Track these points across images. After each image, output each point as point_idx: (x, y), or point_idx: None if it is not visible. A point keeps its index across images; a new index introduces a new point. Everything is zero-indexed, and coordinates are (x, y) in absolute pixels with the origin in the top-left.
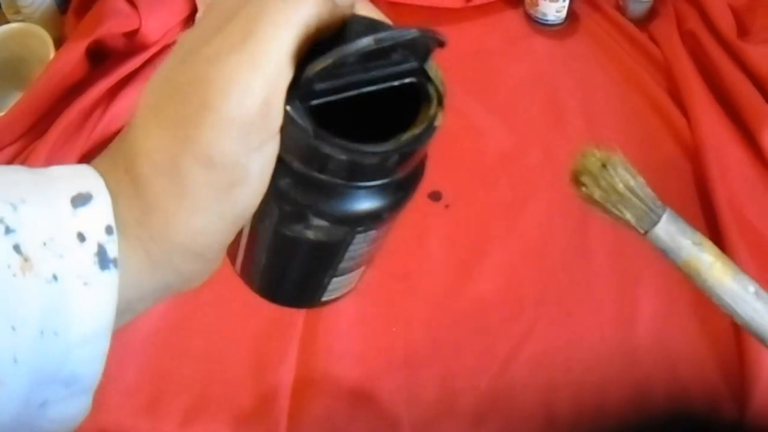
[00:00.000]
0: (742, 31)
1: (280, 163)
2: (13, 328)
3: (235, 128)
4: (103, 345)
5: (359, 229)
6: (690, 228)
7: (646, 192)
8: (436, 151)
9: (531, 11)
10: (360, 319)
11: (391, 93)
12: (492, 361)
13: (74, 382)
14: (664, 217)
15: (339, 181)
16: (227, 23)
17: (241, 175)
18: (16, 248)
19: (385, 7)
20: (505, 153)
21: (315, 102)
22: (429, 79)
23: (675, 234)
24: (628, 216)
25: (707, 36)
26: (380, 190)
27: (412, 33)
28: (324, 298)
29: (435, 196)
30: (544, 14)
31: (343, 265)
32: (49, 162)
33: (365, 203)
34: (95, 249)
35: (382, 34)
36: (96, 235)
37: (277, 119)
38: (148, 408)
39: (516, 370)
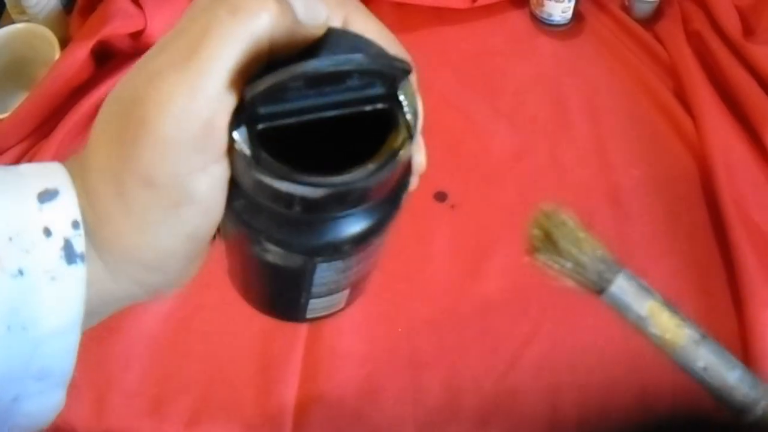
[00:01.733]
0: (748, 31)
1: (235, 183)
2: None
3: (174, 149)
4: (73, 339)
5: (318, 259)
6: (641, 298)
7: (592, 264)
8: (441, 151)
9: (536, 11)
10: (365, 319)
11: (367, 118)
12: (497, 362)
13: (46, 377)
14: (611, 289)
15: (286, 211)
16: (173, 35)
17: (184, 195)
18: None
19: (390, 8)
20: (510, 153)
21: (262, 126)
22: (400, 106)
23: (619, 306)
24: (570, 285)
25: (713, 36)
26: (338, 224)
27: (366, 62)
28: (309, 316)
29: (440, 197)
30: (550, 14)
31: (315, 289)
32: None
33: (321, 236)
34: (61, 243)
35: (320, 64)
36: (62, 230)
37: (222, 141)
38: (153, 409)
39: (521, 371)
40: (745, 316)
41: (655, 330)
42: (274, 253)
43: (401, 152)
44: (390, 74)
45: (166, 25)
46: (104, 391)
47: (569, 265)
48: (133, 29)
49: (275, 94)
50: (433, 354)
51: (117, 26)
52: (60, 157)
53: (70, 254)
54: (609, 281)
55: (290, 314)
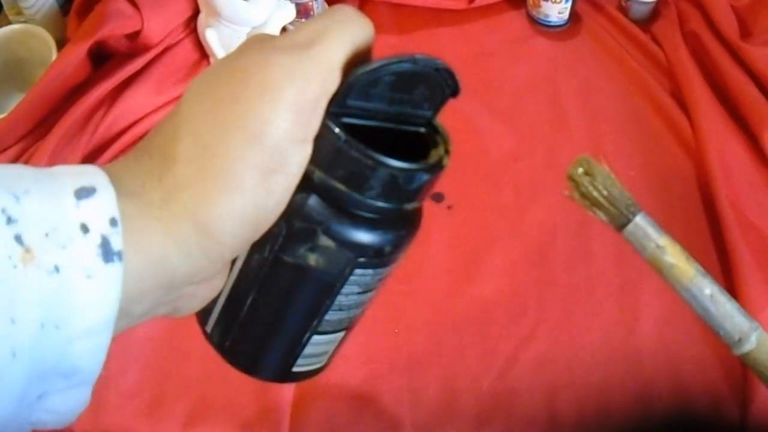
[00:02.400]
0: (745, 32)
1: (302, 178)
2: (13, 321)
3: (290, 113)
4: (105, 338)
5: (361, 259)
6: (658, 232)
7: (621, 197)
8: None
9: (533, 12)
10: (362, 320)
11: (401, 137)
12: (494, 362)
13: (74, 375)
14: (636, 220)
15: (355, 193)
16: (290, 31)
17: (283, 161)
18: (18, 239)
19: (387, 9)
20: (507, 154)
21: (345, 120)
22: (436, 130)
23: (641, 237)
24: (601, 216)
25: (710, 37)
26: (386, 223)
27: (441, 64)
28: (294, 368)
29: (437, 198)
30: (547, 15)
31: (329, 316)
32: (51, 163)
33: (372, 233)
34: (99, 241)
35: (418, 56)
36: (100, 227)
37: (319, 121)
38: (150, 410)
39: (518, 371)
40: None
41: (671, 259)
42: (321, 251)
43: (444, 162)
44: (442, 93)
45: (163, 27)
46: (102, 392)
47: (605, 192)
48: (129, 30)
49: (366, 90)
50: (430, 354)
51: (114, 27)
52: (57, 157)
53: (107, 252)
54: (634, 214)
55: (274, 361)
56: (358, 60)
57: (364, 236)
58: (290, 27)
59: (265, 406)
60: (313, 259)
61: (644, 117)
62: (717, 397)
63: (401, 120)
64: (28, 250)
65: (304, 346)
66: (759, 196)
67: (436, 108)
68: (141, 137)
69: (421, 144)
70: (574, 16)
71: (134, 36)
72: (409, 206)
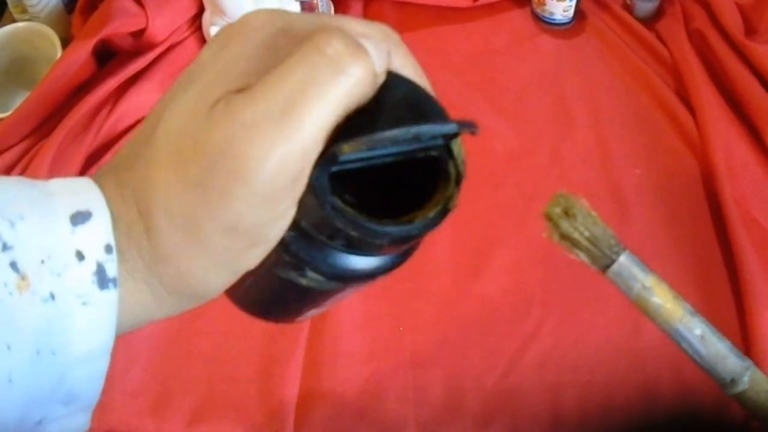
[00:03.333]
0: (750, 30)
1: None
2: (9, 347)
3: (265, 200)
4: (102, 364)
5: (352, 284)
6: (644, 271)
7: (603, 237)
8: None
9: (538, 10)
10: (366, 319)
11: (413, 160)
12: (499, 361)
13: (73, 401)
14: (620, 260)
15: (343, 249)
16: (265, 80)
17: (261, 238)
18: (13, 265)
19: (391, 7)
20: (511, 152)
21: (336, 169)
22: (451, 155)
23: (626, 277)
24: (583, 257)
25: (714, 35)
26: (381, 259)
27: (451, 128)
28: (298, 319)
29: None
30: (552, 13)
31: (328, 303)
32: (55, 161)
33: (364, 266)
34: (94, 268)
35: (421, 129)
36: (95, 254)
37: (301, 189)
38: (155, 408)
39: (522, 370)
40: (747, 316)
41: (657, 299)
42: (310, 279)
43: (451, 203)
44: (460, 132)
45: (168, 24)
46: (106, 391)
47: (586, 233)
48: (134, 28)
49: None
50: (434, 353)
51: (118, 25)
52: (61, 156)
53: (102, 279)
54: (618, 254)
55: (283, 320)
56: (356, 108)
57: (353, 271)
58: None
59: (270, 405)
60: (304, 281)
61: (649, 115)
62: (720, 395)
63: (408, 154)
64: (23, 278)
65: (303, 315)
66: (764, 194)
67: (450, 138)
68: None
69: (434, 166)
70: (579, 14)
71: (139, 34)
72: (406, 248)
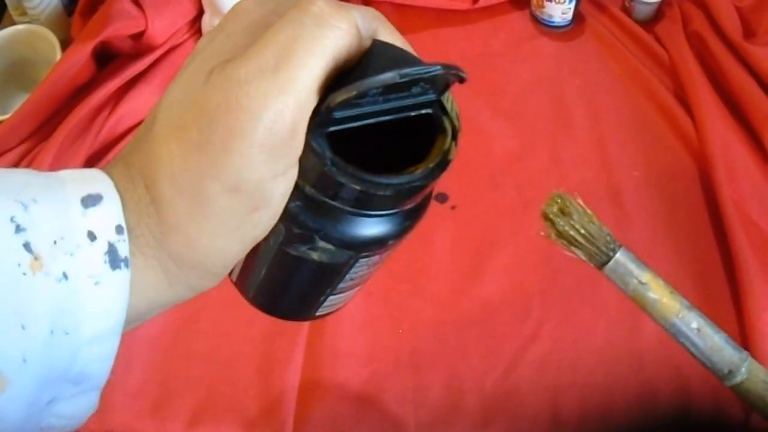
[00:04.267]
0: (748, 33)
1: (294, 186)
2: (23, 327)
3: (264, 155)
4: (113, 344)
5: (364, 254)
6: (640, 267)
7: (600, 234)
8: None
9: (537, 13)
10: (366, 320)
11: (408, 122)
12: (498, 362)
13: (83, 381)
14: (616, 257)
15: (350, 208)
16: (257, 42)
17: (264, 199)
18: (27, 246)
19: (391, 9)
20: (511, 155)
21: (333, 129)
22: (445, 111)
23: (623, 273)
24: (580, 255)
25: (713, 37)
26: (388, 218)
27: (436, 69)
28: (318, 313)
29: (441, 198)
30: (551, 16)
31: (341, 285)
32: (55, 163)
33: (372, 230)
34: (106, 248)
35: (406, 70)
36: (106, 235)
37: (300, 145)
38: (155, 409)
39: (522, 371)
40: (745, 317)
41: (654, 294)
42: (321, 251)
43: (450, 155)
44: (446, 79)
45: (167, 27)
46: (106, 392)
47: (583, 231)
48: (134, 30)
49: (350, 102)
50: (434, 354)
51: (118, 27)
52: (61, 157)
53: (114, 259)
54: (614, 251)
55: (301, 312)
56: (344, 66)
57: (363, 237)
58: None
59: (269, 406)
60: (315, 255)
61: (647, 117)
62: (720, 396)
63: (402, 110)
64: (37, 258)
65: (321, 303)
66: (762, 196)
67: (441, 91)
68: None
69: (428, 126)
70: (578, 16)
71: (139, 36)
72: (410, 205)
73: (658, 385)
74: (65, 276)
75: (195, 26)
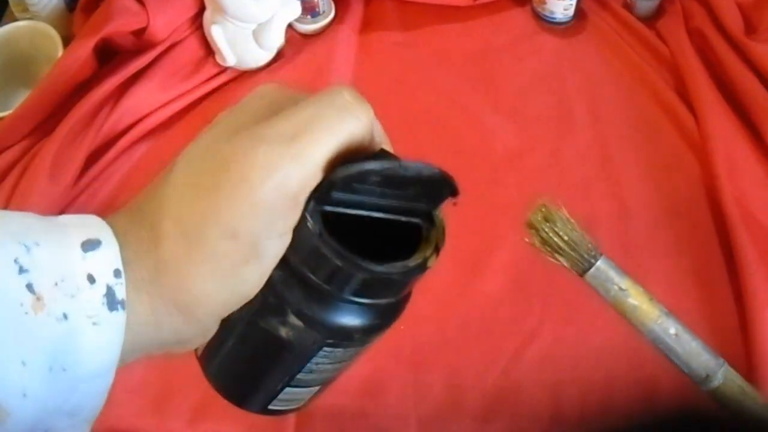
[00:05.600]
0: (750, 29)
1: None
2: (24, 364)
3: (266, 211)
4: (107, 380)
5: (329, 341)
6: (620, 275)
7: (582, 242)
8: (443, 148)
9: (538, 9)
10: None
11: (398, 225)
12: (499, 359)
13: (77, 413)
14: (597, 264)
15: (327, 287)
16: (284, 112)
17: (258, 254)
18: (29, 287)
19: (392, 6)
20: (512, 151)
21: (329, 209)
22: (433, 223)
23: (603, 280)
24: (563, 261)
25: (714, 33)
26: (361, 310)
27: (434, 171)
28: (270, 406)
29: None
30: (552, 12)
31: (301, 376)
32: (56, 159)
33: (344, 317)
34: (104, 290)
35: (406, 163)
36: (105, 278)
37: (298, 214)
38: (157, 406)
39: (523, 368)
40: (747, 315)
41: (634, 301)
42: (290, 327)
43: (429, 263)
44: (441, 192)
45: (169, 23)
46: None
47: (566, 238)
48: (135, 27)
49: (351, 184)
50: (435, 351)
51: (120, 24)
52: (63, 154)
53: (111, 301)
54: (596, 258)
55: (256, 398)
56: (350, 153)
57: (333, 321)
58: (296, 24)
59: None
60: (283, 332)
61: (649, 113)
62: None
63: (394, 210)
64: (39, 298)
65: (278, 393)
66: (764, 193)
67: (434, 204)
68: (147, 134)
69: (417, 234)
70: (579, 12)
71: (140, 33)
72: (384, 302)
73: (659, 382)
74: (65, 316)
75: (196, 23)
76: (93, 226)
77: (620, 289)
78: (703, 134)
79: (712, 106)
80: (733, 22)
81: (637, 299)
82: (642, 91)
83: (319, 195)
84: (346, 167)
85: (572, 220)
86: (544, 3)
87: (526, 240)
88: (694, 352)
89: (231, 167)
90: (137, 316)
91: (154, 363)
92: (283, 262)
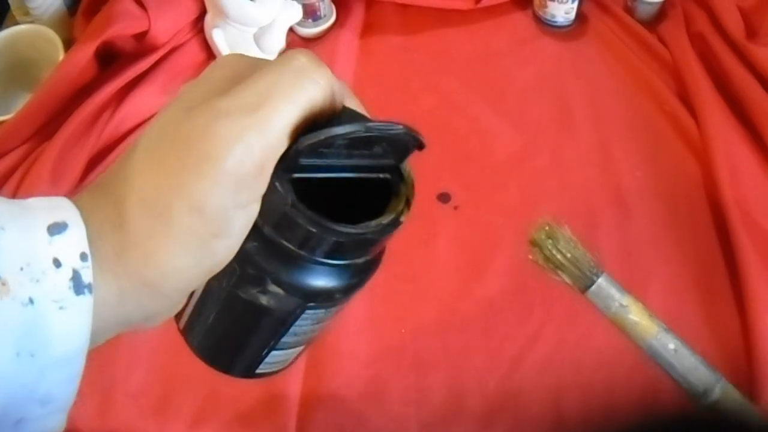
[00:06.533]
0: (751, 33)
1: (252, 226)
2: None
3: (230, 183)
4: (77, 366)
5: (311, 304)
6: (620, 291)
7: (584, 259)
8: (444, 152)
9: (540, 13)
10: (369, 320)
11: (367, 183)
12: (500, 362)
13: (49, 402)
14: (599, 281)
15: (303, 253)
16: (240, 85)
17: (224, 227)
18: None
19: (393, 9)
20: (513, 155)
21: (297, 175)
22: (402, 178)
23: (605, 297)
24: (565, 278)
25: (716, 37)
26: (338, 271)
27: (399, 129)
28: (258, 370)
29: (444, 198)
30: (553, 16)
31: (285, 339)
32: (57, 163)
33: (322, 280)
34: (70, 274)
35: (371, 124)
36: (71, 261)
37: (265, 184)
38: (157, 410)
39: (524, 371)
40: (748, 318)
41: (634, 317)
42: (271, 295)
43: (401, 217)
44: (407, 145)
45: (170, 27)
46: (108, 392)
47: (569, 255)
48: (137, 30)
49: (317, 149)
50: (437, 355)
51: (121, 27)
52: (64, 158)
53: (78, 285)
54: (597, 275)
55: (243, 365)
56: (313, 116)
57: (312, 285)
58: (297, 27)
59: (272, 406)
60: (264, 300)
61: (650, 117)
62: None
63: (363, 169)
64: (4, 283)
65: (263, 358)
66: (765, 197)
67: (401, 158)
68: None
69: (387, 189)
70: (581, 16)
71: (141, 36)
72: (361, 260)
73: (660, 385)
74: (31, 301)
75: (198, 26)
76: (60, 208)
77: (621, 305)
78: (704, 138)
79: (713, 109)
80: (735, 25)
81: (637, 315)
82: (643, 95)
83: (287, 163)
84: (312, 134)
85: (574, 238)
86: (546, 7)
87: (530, 257)
88: (692, 367)
89: (193, 142)
90: (103, 297)
91: (155, 367)
92: (257, 233)
